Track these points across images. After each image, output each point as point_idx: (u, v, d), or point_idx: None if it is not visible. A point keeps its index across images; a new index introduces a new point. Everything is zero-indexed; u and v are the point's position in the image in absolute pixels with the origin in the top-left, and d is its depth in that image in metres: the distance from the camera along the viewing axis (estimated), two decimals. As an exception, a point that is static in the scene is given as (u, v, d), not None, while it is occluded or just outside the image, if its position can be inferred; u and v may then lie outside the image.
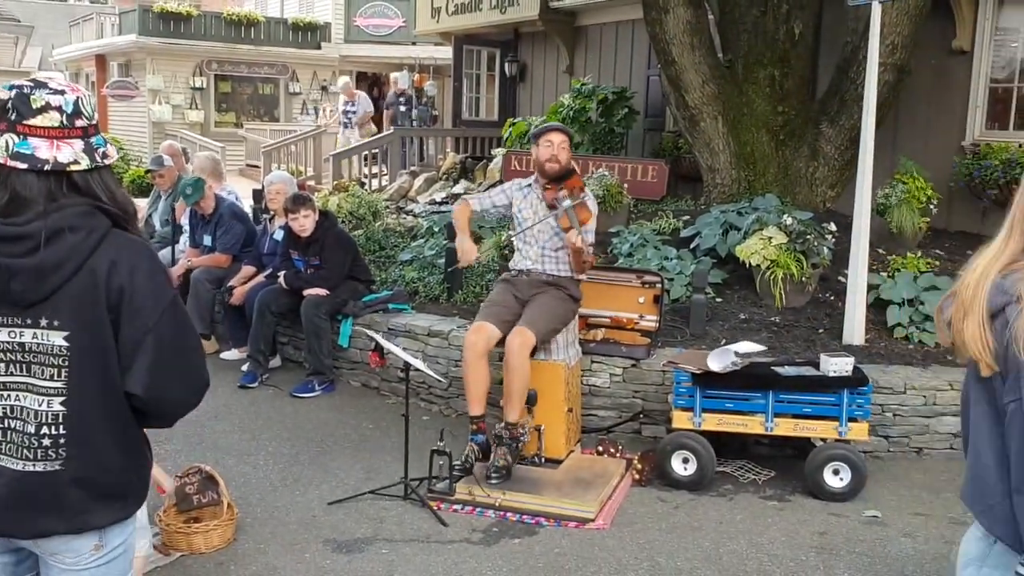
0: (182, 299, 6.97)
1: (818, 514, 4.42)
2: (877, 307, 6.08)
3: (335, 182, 14.24)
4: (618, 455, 5.00)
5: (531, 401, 4.75)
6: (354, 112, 16.13)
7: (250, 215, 7.93)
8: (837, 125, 7.77)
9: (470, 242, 4.96)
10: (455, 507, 4.43)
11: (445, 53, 17.68)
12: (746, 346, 4.93)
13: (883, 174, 7.13)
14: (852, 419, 4.59)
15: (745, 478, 4.83)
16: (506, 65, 14.65)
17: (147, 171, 9.64)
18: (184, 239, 7.52)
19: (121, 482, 1.99)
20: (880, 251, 6.89)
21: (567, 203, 4.73)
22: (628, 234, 7.37)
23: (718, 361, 4.69)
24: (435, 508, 4.37)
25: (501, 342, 4.73)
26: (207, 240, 7.27)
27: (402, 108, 16.78)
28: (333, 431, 5.54)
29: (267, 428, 5.57)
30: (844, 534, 4.21)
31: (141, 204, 9.48)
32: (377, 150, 15.20)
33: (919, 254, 6.73)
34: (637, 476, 4.77)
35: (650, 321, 5.58)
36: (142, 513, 3.14)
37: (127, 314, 1.88)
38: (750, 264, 6.36)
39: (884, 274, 6.39)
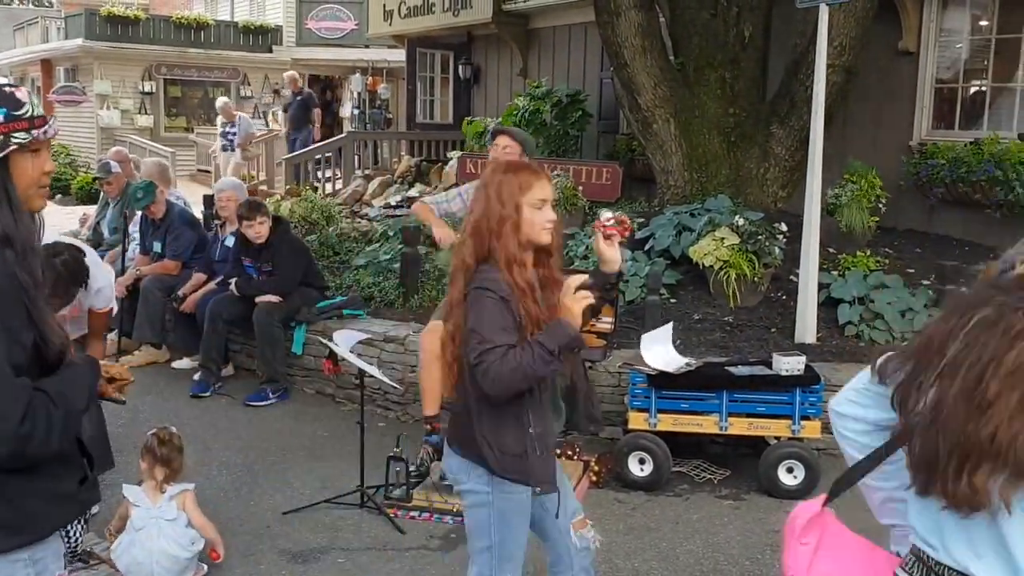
0: (131, 307, 6.90)
1: (773, 512, 4.45)
2: (828, 305, 6.15)
3: (287, 187, 14.10)
4: (576, 457, 5.00)
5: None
6: (235, 134, 15.01)
7: (200, 221, 7.82)
8: (787, 126, 7.87)
9: (445, 227, 4.88)
10: (412, 514, 4.40)
11: (399, 56, 17.59)
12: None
13: (833, 174, 7.23)
14: (805, 417, 4.63)
15: (701, 478, 4.86)
16: (460, 68, 14.64)
17: (95, 178, 9.40)
18: (133, 246, 7.38)
19: None
20: (831, 250, 6.98)
21: None
22: (583, 236, 7.39)
23: (652, 345, 4.71)
24: (392, 515, 4.34)
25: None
26: (157, 246, 7.15)
27: (299, 110, 15.72)
28: (288, 440, 5.48)
29: (220, 438, 5.49)
30: (799, 531, 4.24)
31: (90, 211, 9.32)
32: (331, 154, 15.08)
33: (869, 252, 6.84)
34: (594, 478, 4.78)
35: (605, 323, 5.58)
36: None
37: None
38: (703, 265, 6.41)
39: (835, 273, 6.47)
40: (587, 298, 2.45)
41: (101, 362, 2.19)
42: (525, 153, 4.95)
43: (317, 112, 15.95)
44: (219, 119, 15.60)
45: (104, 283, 4.15)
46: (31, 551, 1.89)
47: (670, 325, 4.94)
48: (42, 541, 1.91)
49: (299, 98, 15.72)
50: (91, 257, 4.11)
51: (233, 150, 14.98)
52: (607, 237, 2.63)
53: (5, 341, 1.80)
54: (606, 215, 2.67)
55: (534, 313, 2.51)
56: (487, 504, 2.61)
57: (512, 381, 2.41)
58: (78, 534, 1.99)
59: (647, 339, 4.84)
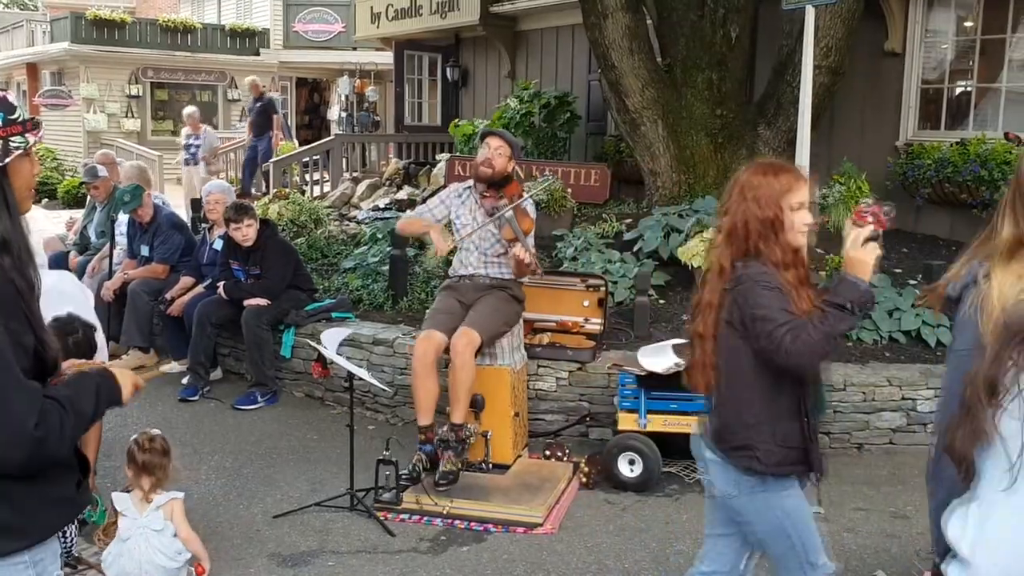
0: (119, 312, 6.87)
1: (763, 512, 4.46)
2: (816, 306, 6.16)
3: (275, 189, 14.06)
4: (565, 459, 5.00)
5: (478, 406, 4.73)
6: (198, 146, 13.72)
7: (188, 224, 7.79)
8: (774, 127, 7.90)
9: (441, 234, 4.82)
10: (402, 516, 4.39)
11: (386, 58, 17.58)
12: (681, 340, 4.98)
13: (820, 175, 7.27)
14: (794, 417, 4.64)
15: (691, 478, 4.87)
16: (448, 70, 14.64)
17: (81, 183, 9.29)
18: (118, 251, 7.35)
19: None
20: (819, 250, 7.01)
21: (508, 213, 4.70)
22: (572, 238, 7.40)
23: (650, 357, 4.72)
24: (382, 518, 4.33)
25: (448, 348, 4.71)
26: (145, 250, 7.13)
27: (259, 115, 14.52)
28: (277, 443, 5.47)
29: (209, 442, 5.47)
30: (788, 531, 4.25)
31: (76, 215, 9.27)
32: (318, 156, 15.05)
33: (856, 253, 6.86)
34: (584, 479, 4.78)
35: (595, 324, 5.61)
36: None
37: None
38: (692, 266, 6.42)
39: (823, 273, 6.50)
40: (876, 249, 2.43)
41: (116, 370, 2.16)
42: (515, 155, 4.95)
43: (277, 119, 14.75)
44: (184, 130, 14.28)
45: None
46: (32, 553, 1.91)
47: (668, 345, 4.92)
48: (42, 543, 1.93)
49: (259, 104, 14.61)
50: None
51: (196, 163, 13.75)
52: (859, 225, 2.50)
53: (11, 345, 1.80)
54: (865, 201, 2.57)
55: (805, 310, 2.49)
56: (771, 507, 2.58)
57: (819, 346, 2.38)
58: (72, 535, 2.01)
59: (644, 352, 4.83)
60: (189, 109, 14.57)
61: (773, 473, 2.54)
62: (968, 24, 8.20)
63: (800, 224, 2.55)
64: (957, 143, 7.63)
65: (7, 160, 1.91)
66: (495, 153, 4.83)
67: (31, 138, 1.95)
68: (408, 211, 10.23)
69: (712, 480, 2.70)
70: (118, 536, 3.54)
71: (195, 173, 13.74)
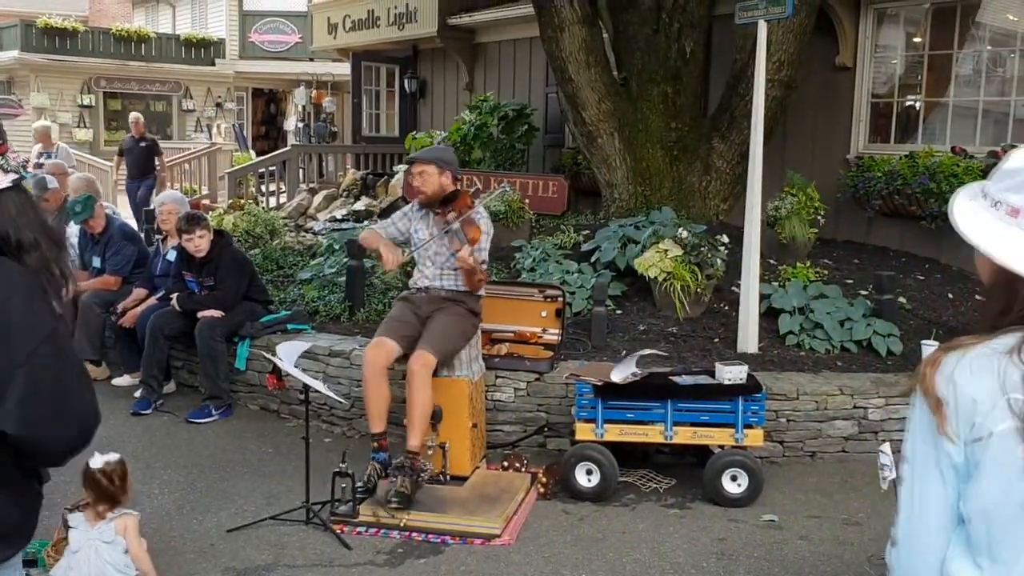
0: (71, 326, 6.75)
1: (718, 520, 4.51)
2: (770, 316, 6.26)
3: (231, 200, 13.93)
4: (523, 469, 5.01)
5: (436, 418, 4.72)
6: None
7: (141, 235, 7.69)
8: (728, 140, 8.00)
9: (391, 251, 4.85)
10: (359, 529, 4.36)
11: (344, 69, 17.54)
12: (647, 351, 5.03)
13: (773, 187, 7.37)
14: (748, 426, 4.70)
15: (647, 487, 4.90)
16: (406, 81, 14.64)
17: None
18: (70, 263, 7.22)
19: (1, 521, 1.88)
20: (771, 261, 7.11)
21: (455, 225, 4.75)
22: (530, 249, 7.42)
23: (622, 374, 4.75)
24: (338, 531, 4.30)
25: (403, 358, 4.70)
26: (96, 262, 7.02)
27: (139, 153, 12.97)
28: (231, 457, 5.40)
29: (162, 456, 5.39)
30: (743, 539, 4.30)
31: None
32: (274, 167, 14.95)
33: (808, 264, 6.98)
34: (542, 489, 4.79)
35: (552, 335, 5.63)
36: None
37: None
38: (648, 276, 6.47)
39: (776, 284, 6.59)
40: None
41: None
42: (445, 167, 4.93)
43: (161, 160, 13.29)
44: (36, 147, 12.49)
45: None
46: (17, 556, 1.96)
47: (634, 359, 4.94)
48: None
49: (142, 144, 13.00)
50: None
51: None
52: None
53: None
54: None
55: None
56: None
57: None
58: None
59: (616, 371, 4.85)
60: (40, 124, 13.23)
61: None
62: (917, 40, 8.38)
63: None
64: (906, 156, 7.78)
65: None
66: (421, 180, 4.90)
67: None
68: (367, 222, 10.23)
69: None
70: (68, 549, 3.49)
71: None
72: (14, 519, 1.93)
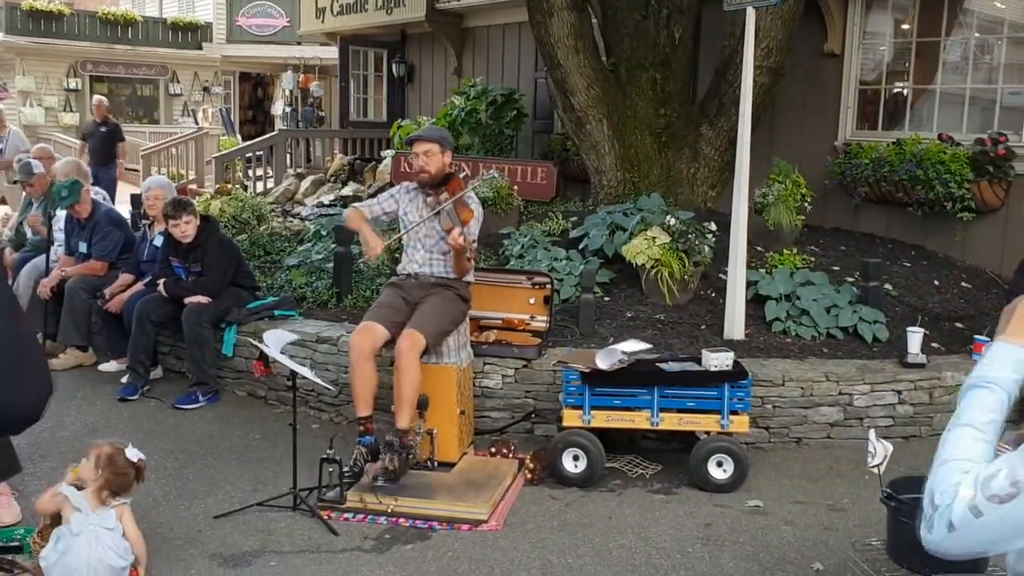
0: (56, 310, 6.72)
1: (703, 506, 4.53)
2: (756, 302, 6.28)
3: (218, 185, 13.87)
4: (511, 455, 5.02)
5: (423, 405, 4.72)
6: (2, 150, 11.06)
7: (128, 220, 7.65)
8: (716, 127, 8.00)
9: (373, 235, 4.87)
10: (346, 515, 4.37)
11: (331, 53, 17.45)
12: (632, 344, 5.03)
13: (761, 174, 7.38)
14: (734, 412, 4.72)
15: (634, 473, 4.92)
16: (394, 66, 14.59)
17: (14, 181, 8.77)
18: (56, 248, 7.19)
19: None
20: (759, 248, 7.13)
21: (448, 206, 4.74)
22: (519, 235, 7.42)
23: (606, 360, 4.76)
24: (326, 517, 4.30)
25: (390, 344, 4.70)
26: (83, 247, 6.98)
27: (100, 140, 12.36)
28: (218, 443, 5.40)
29: (149, 442, 5.37)
30: (728, 524, 4.33)
31: (11, 210, 9.04)
32: (262, 152, 14.88)
33: (795, 250, 7.00)
34: (529, 475, 4.81)
35: (541, 321, 5.64)
36: None
37: None
38: (636, 263, 6.48)
39: (762, 270, 6.61)
40: None
41: None
42: (445, 147, 4.95)
43: (123, 147, 12.75)
44: None
45: None
46: None
47: (618, 348, 4.95)
48: None
49: (103, 128, 12.44)
50: None
51: None
52: None
53: None
54: None
55: None
56: None
57: None
58: None
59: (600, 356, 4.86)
60: None
61: None
62: (905, 27, 8.39)
63: None
64: (893, 143, 7.80)
65: None
66: (426, 159, 4.87)
67: None
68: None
69: None
70: (68, 530, 3.48)
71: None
72: None
